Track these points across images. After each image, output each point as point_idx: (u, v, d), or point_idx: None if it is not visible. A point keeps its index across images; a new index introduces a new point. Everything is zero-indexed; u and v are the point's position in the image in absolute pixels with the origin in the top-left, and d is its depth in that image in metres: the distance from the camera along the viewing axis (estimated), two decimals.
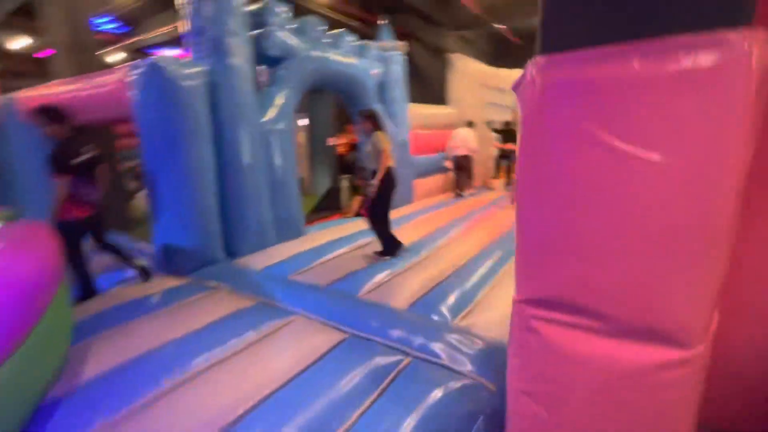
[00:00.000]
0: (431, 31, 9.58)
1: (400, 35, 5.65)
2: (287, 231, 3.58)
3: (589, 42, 0.78)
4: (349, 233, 3.67)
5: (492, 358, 1.69)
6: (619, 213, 0.78)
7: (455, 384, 1.55)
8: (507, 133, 6.32)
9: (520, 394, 0.99)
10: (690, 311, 0.77)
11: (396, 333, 1.92)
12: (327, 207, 5.39)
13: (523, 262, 0.94)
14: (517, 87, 0.89)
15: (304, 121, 7.04)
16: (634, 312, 0.80)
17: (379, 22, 5.43)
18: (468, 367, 1.67)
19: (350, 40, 4.38)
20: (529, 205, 0.90)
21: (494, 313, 2.13)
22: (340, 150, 5.40)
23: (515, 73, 1.83)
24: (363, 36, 4.96)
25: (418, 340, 1.84)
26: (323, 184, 6.66)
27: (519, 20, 9.17)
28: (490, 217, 4.46)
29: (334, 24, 6.00)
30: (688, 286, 0.76)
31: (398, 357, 1.74)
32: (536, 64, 0.83)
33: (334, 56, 4.03)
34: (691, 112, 0.69)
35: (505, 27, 9.59)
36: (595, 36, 0.78)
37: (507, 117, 6.98)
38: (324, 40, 4.00)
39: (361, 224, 3.53)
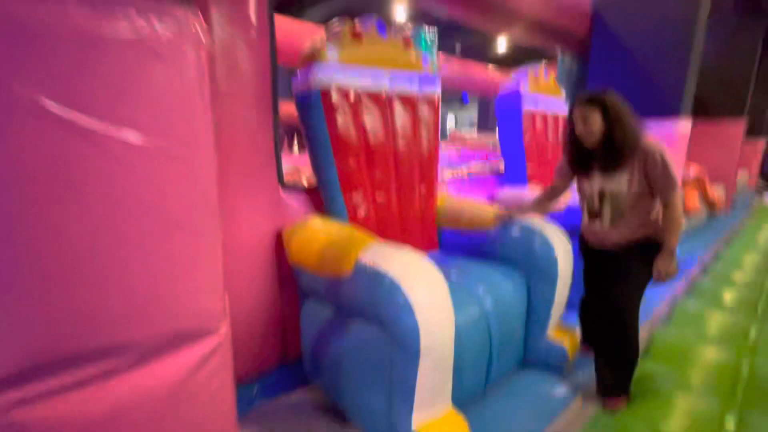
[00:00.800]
0: None
1: None
2: None
3: None
4: None
5: None
6: (104, 211, 0.57)
7: None
8: None
9: None
10: (209, 299, 0.71)
11: None
12: None
13: None
14: None
15: None
16: (157, 325, 0.65)
17: None
18: None
19: None
20: None
21: None
22: None
23: None
24: None
25: None
26: None
27: None
28: None
29: None
30: (202, 277, 0.69)
31: None
32: None
33: None
34: (153, 84, 0.58)
35: None
36: None
37: None
38: None
39: None
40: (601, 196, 1.39)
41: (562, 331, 1.64)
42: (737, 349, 1.82)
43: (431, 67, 1.78)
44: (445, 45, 5.56)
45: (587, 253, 1.54)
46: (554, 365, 1.58)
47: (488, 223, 1.69)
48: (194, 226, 0.64)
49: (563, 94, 2.92)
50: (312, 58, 1.46)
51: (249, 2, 1.30)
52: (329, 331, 1.35)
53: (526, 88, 2.57)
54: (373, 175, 1.63)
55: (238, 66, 1.31)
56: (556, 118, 2.82)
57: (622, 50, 2.93)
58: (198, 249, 0.66)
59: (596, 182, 1.39)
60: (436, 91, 1.81)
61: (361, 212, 1.60)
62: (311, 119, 1.49)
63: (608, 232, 1.41)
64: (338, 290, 1.24)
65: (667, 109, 2.79)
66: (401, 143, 1.72)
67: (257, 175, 1.42)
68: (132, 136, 0.56)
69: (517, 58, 8.42)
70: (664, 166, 1.27)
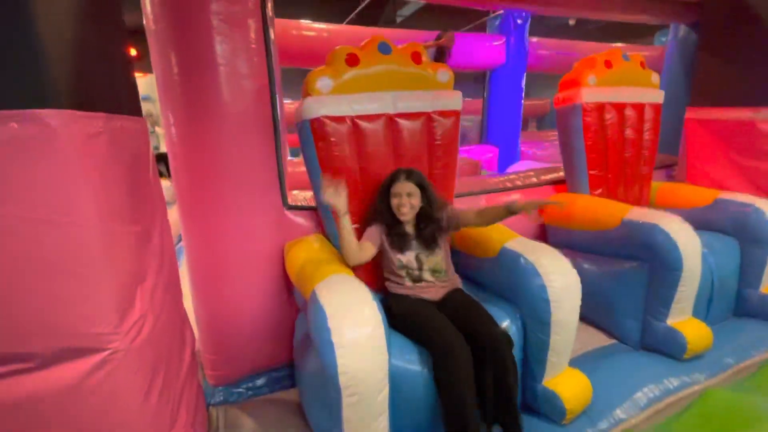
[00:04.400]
0: None
1: None
2: None
3: None
4: None
5: None
6: None
7: None
8: None
9: None
10: (95, 326, 0.85)
11: None
12: None
13: None
14: None
15: None
16: (53, 342, 0.83)
17: None
18: None
19: None
20: None
21: None
22: None
23: None
24: None
25: None
26: None
27: None
28: None
29: None
30: (88, 307, 0.85)
31: None
32: None
33: None
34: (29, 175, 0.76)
35: None
36: None
37: None
38: None
39: None
40: None
41: None
42: None
43: (446, 80, 1.68)
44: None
45: None
46: None
47: (492, 253, 1.56)
48: (74, 270, 0.84)
49: (656, 80, 2.37)
50: (305, 94, 1.51)
51: (249, 27, 1.45)
52: (302, 345, 1.47)
53: (593, 83, 2.18)
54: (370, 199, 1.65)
55: (239, 92, 1.48)
56: (638, 107, 2.31)
57: (748, 16, 2.22)
58: (80, 289, 0.85)
59: None
60: (453, 105, 1.71)
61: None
62: (304, 148, 1.58)
63: None
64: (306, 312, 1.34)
65: None
66: (408, 165, 1.63)
67: (261, 197, 1.60)
68: (16, 209, 0.78)
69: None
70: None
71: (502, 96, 5.23)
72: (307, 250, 1.51)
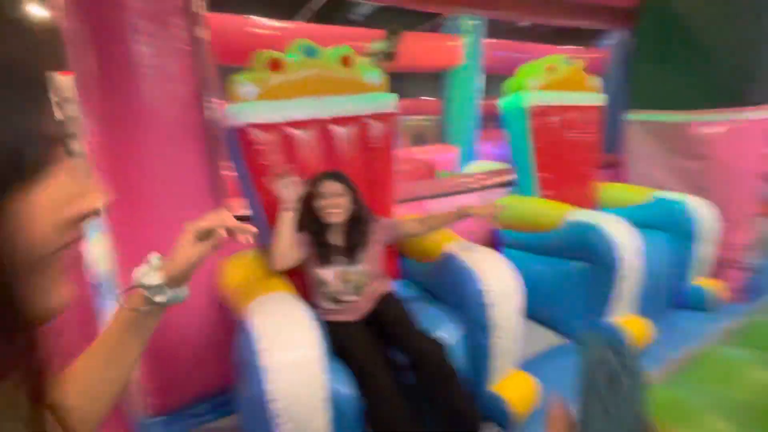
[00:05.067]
0: None
1: None
2: None
3: None
4: None
5: None
6: None
7: None
8: None
9: None
10: None
11: None
12: None
13: None
14: None
15: None
16: None
17: None
18: None
19: None
20: None
21: None
22: None
23: None
24: None
25: None
26: None
27: None
28: None
29: None
30: None
31: None
32: None
33: None
34: None
35: None
36: None
37: None
38: None
39: None
40: None
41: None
42: None
43: (380, 84, 1.65)
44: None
45: None
46: None
47: (433, 257, 1.54)
48: None
49: (597, 84, 2.46)
50: (228, 100, 1.43)
51: (175, 26, 1.36)
52: (238, 369, 1.39)
53: (536, 86, 2.23)
54: None
55: (166, 96, 1.38)
56: (582, 109, 2.40)
57: (679, 25, 2.34)
58: None
59: None
60: (388, 108, 1.67)
61: None
62: (232, 157, 1.50)
63: None
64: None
65: (733, 99, 2.18)
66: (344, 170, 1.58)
67: (192, 209, 1.49)
68: None
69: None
70: None
71: (460, 96, 5.31)
72: (241, 267, 1.44)
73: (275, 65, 1.45)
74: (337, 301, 1.39)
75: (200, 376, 1.61)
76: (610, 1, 2.53)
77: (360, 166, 1.65)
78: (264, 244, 1.56)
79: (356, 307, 1.40)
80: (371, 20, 7.33)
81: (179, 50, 1.38)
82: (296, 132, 1.52)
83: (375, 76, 1.64)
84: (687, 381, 1.62)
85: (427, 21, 6.42)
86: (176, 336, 1.54)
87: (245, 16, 3.57)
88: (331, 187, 1.38)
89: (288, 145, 1.51)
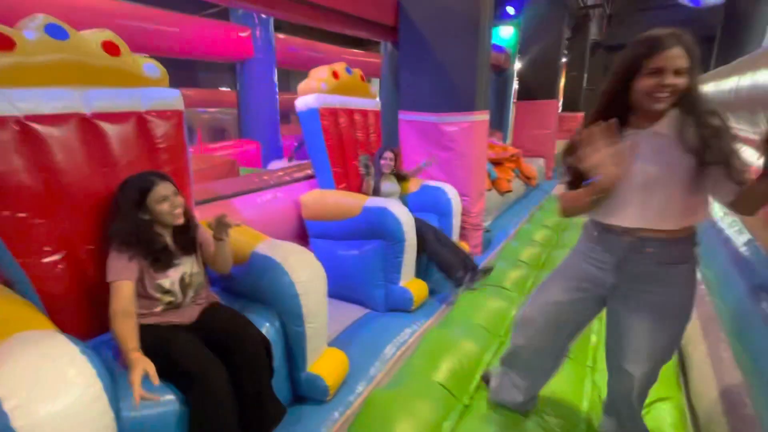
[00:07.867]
0: None
1: None
2: None
3: None
4: None
5: None
6: None
7: None
8: None
9: None
10: None
11: None
12: None
13: None
14: None
15: None
16: None
17: None
18: None
19: None
20: None
21: None
22: None
23: None
24: None
25: None
26: None
27: None
28: None
29: None
30: None
31: None
32: None
33: None
34: None
35: None
36: None
37: None
38: None
39: None
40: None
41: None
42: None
43: (158, 76, 1.50)
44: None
45: None
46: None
47: (243, 259, 1.55)
48: None
49: (374, 91, 2.88)
50: None
51: None
52: None
53: (325, 90, 2.45)
54: (71, 223, 1.30)
55: None
56: (363, 113, 2.79)
57: (425, 45, 2.96)
58: None
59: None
60: (172, 104, 1.52)
61: (50, 273, 1.28)
62: None
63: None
64: None
65: (465, 105, 2.94)
66: (123, 176, 1.35)
67: None
68: None
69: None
70: None
71: (255, 89, 5.20)
72: None
73: (4, 43, 1.14)
74: (174, 306, 1.34)
75: None
76: (374, 17, 2.96)
77: (147, 168, 1.45)
78: (7, 275, 1.23)
79: (188, 312, 1.36)
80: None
81: None
82: (46, 129, 1.22)
83: (152, 68, 1.48)
84: (449, 321, 2.15)
85: (214, 6, 5.96)
86: None
87: None
88: (168, 187, 1.31)
89: (34, 145, 1.20)
